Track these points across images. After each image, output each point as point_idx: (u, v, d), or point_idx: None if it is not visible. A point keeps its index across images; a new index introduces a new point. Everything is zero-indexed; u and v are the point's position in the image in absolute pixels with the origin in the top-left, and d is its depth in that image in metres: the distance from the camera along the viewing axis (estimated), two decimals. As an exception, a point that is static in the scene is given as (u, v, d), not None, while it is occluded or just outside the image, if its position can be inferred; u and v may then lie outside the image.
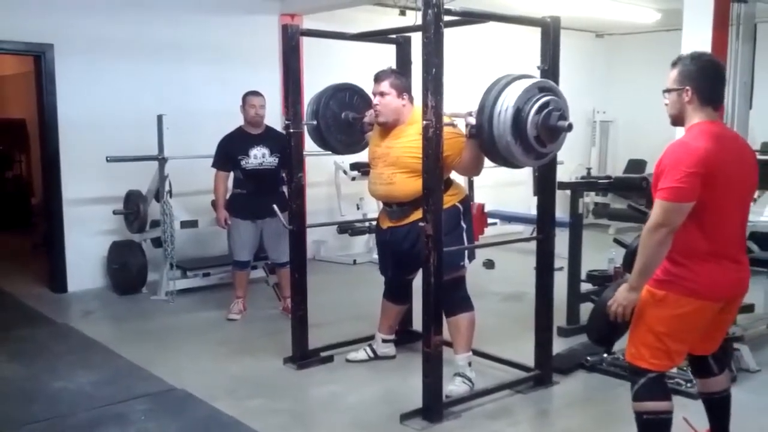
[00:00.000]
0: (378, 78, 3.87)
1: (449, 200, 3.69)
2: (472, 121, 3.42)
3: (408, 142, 3.77)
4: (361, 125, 4.27)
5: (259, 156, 5.16)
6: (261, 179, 5.17)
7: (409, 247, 3.86)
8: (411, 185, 3.74)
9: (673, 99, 2.68)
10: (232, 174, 5.31)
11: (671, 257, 2.60)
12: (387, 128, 3.92)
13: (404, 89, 3.88)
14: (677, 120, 2.71)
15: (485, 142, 3.36)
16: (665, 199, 2.51)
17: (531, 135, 3.28)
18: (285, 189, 5.20)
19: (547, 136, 3.35)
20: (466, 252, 3.86)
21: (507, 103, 3.25)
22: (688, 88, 2.62)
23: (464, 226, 3.83)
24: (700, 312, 2.62)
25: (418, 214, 3.68)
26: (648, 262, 2.59)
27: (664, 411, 2.70)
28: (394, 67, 4.10)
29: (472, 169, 3.74)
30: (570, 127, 3.35)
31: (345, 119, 4.34)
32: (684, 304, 2.59)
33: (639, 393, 2.71)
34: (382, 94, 3.83)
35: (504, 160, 3.42)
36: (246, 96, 5.24)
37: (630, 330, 2.74)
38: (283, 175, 5.13)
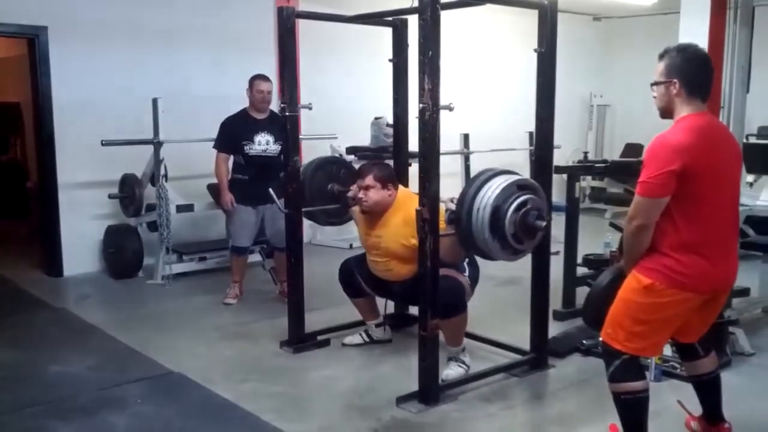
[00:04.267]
0: (361, 173, 3.93)
1: None
2: (452, 206, 3.44)
3: (395, 232, 3.83)
4: (345, 200, 4.27)
5: (263, 143, 5.09)
6: (263, 166, 5.10)
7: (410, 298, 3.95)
8: (407, 268, 3.81)
9: (660, 92, 2.69)
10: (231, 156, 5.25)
11: (660, 249, 2.63)
12: (373, 216, 3.95)
13: (388, 180, 3.90)
14: (665, 113, 2.72)
15: (463, 234, 3.39)
16: (638, 194, 2.59)
17: (509, 233, 3.32)
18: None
19: (524, 234, 3.38)
20: (467, 269, 3.87)
21: (486, 201, 3.29)
22: (675, 80, 2.63)
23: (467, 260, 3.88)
24: (683, 303, 2.65)
25: None
26: (628, 250, 2.71)
27: (641, 390, 2.75)
28: (377, 162, 4.16)
29: (450, 256, 3.64)
30: (546, 228, 3.42)
31: (330, 191, 4.35)
32: (669, 294, 2.61)
33: (614, 374, 2.75)
34: (367, 188, 3.87)
35: (481, 253, 3.47)
36: (253, 80, 5.11)
37: (610, 310, 2.76)
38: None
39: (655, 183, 2.53)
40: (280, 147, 5.11)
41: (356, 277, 4.20)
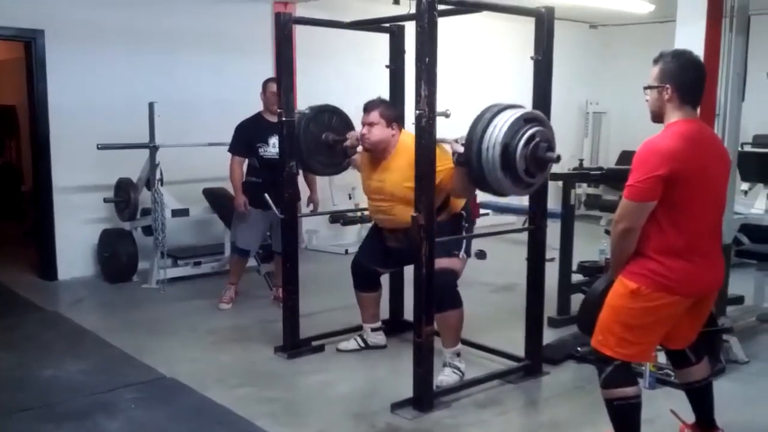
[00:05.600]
0: (367, 108, 3.87)
1: (454, 208, 3.79)
2: (459, 149, 3.42)
3: (399, 175, 3.77)
4: (343, 148, 4.24)
5: (277, 145, 5.05)
6: (276, 169, 5.05)
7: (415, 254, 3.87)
8: (410, 213, 3.72)
9: (653, 96, 2.71)
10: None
11: (646, 253, 2.65)
12: (376, 159, 3.91)
13: (394, 119, 3.87)
14: (656, 117, 2.74)
15: (474, 174, 3.38)
16: (625, 197, 2.61)
17: (520, 169, 3.30)
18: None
19: (536, 167, 3.37)
20: (464, 243, 3.85)
21: (494, 139, 3.26)
22: (668, 86, 2.64)
23: (465, 225, 3.85)
24: (671, 307, 2.66)
25: None
26: (614, 254, 2.74)
27: (633, 396, 2.75)
28: (383, 96, 4.08)
29: (464, 194, 3.76)
30: (558, 159, 3.38)
31: (325, 140, 4.30)
32: (655, 298, 2.63)
33: (607, 380, 2.76)
34: (371, 124, 3.82)
35: (493, 190, 3.47)
36: (266, 83, 5.12)
37: (599, 317, 2.78)
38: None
39: (643, 187, 2.55)
40: None
41: (365, 264, 4.18)
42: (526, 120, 3.33)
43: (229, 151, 5.19)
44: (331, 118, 4.37)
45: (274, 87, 5.05)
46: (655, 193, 2.54)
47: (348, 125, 4.34)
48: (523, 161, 3.28)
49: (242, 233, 5.28)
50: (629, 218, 2.61)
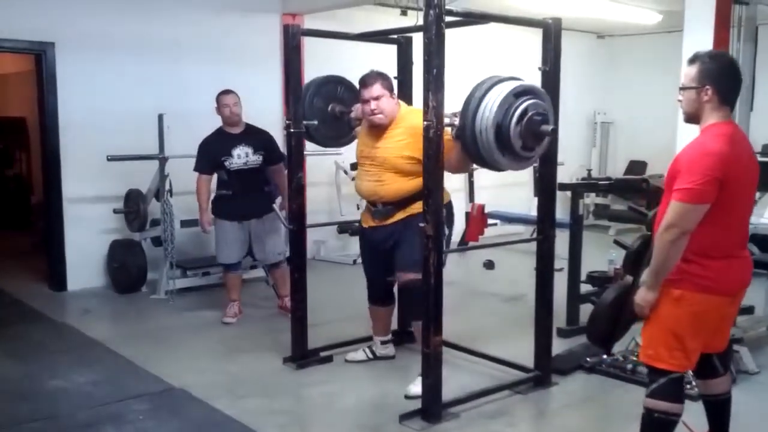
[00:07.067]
0: (367, 83, 3.76)
1: None
2: (456, 122, 3.40)
3: (395, 143, 3.74)
4: (349, 119, 4.21)
5: (242, 155, 5.05)
6: (246, 179, 5.07)
7: (391, 247, 3.84)
8: (398, 185, 3.73)
9: (690, 97, 2.65)
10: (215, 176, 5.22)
11: (684, 256, 2.60)
12: (374, 129, 3.86)
13: (392, 89, 3.85)
14: (692, 118, 2.69)
15: (472, 155, 3.37)
16: (680, 200, 2.52)
17: (517, 146, 3.28)
18: (268, 188, 5.16)
19: (533, 141, 3.33)
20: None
21: (486, 121, 3.22)
22: (708, 87, 2.60)
23: (447, 231, 3.76)
24: (716, 308, 2.64)
25: (401, 215, 3.73)
26: (661, 261, 2.59)
27: (675, 413, 2.71)
28: (377, 69, 3.96)
29: (461, 168, 3.73)
30: (553, 132, 3.33)
31: (332, 112, 4.28)
32: (700, 300, 2.60)
33: (656, 391, 2.70)
34: (377, 97, 3.73)
35: (494, 168, 3.45)
36: (219, 96, 5.15)
37: (646, 332, 2.74)
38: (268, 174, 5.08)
39: (702, 189, 2.49)
40: (261, 157, 5.08)
41: (374, 277, 4.16)
42: (517, 95, 3.27)
43: (195, 170, 5.17)
44: (335, 88, 4.34)
45: (225, 99, 5.10)
46: (713, 195, 2.50)
47: (354, 96, 4.23)
48: (518, 139, 3.23)
49: (223, 248, 5.23)
50: (684, 221, 2.52)
